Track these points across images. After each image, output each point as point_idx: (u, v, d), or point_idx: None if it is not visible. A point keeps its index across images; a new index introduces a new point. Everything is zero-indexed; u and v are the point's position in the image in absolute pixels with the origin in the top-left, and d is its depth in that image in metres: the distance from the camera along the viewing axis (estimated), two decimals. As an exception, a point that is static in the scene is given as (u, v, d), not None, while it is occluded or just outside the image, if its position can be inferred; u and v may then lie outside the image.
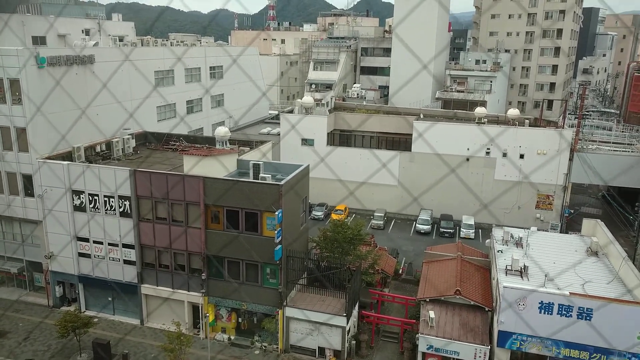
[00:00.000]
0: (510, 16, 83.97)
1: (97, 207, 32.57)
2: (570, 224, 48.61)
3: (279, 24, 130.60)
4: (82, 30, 50.78)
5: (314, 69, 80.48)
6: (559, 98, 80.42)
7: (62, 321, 30.08)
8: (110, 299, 34.78)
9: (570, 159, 46.94)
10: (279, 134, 54.47)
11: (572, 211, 50.67)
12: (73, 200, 32.95)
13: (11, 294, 37.40)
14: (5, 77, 32.24)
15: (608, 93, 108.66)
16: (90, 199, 32.54)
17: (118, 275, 33.56)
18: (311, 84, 76.57)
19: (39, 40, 46.77)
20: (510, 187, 48.63)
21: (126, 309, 34.62)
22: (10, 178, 34.63)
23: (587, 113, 69.40)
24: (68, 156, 34.19)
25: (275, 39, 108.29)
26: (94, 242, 33.43)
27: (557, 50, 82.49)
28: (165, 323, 32.95)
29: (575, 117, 56.09)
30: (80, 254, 34.09)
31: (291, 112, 57.25)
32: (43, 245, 35.04)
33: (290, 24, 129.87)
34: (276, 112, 67.22)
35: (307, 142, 53.23)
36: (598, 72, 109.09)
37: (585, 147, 48.78)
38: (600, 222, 33.26)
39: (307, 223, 34.32)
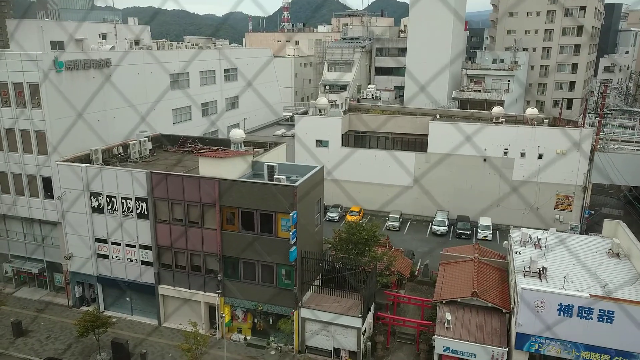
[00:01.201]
0: (528, 14, 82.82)
1: (115, 209, 32.99)
2: (590, 225, 47.68)
3: (293, 25, 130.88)
4: (99, 35, 51.62)
5: (328, 70, 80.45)
6: (579, 97, 79.01)
7: (82, 321, 30.58)
8: (128, 299, 35.19)
9: (591, 159, 46.05)
10: (293, 136, 54.55)
11: (593, 212, 49.71)
12: (91, 202, 33.45)
13: (32, 293, 38.13)
14: (25, 82, 32.90)
15: (631, 91, 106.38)
16: (108, 200, 32.99)
17: (136, 276, 33.94)
18: (325, 85, 76.55)
19: (57, 45, 47.66)
20: (528, 188, 47.90)
21: (144, 310, 35.00)
22: (30, 180, 35.31)
23: (608, 112, 68.07)
24: (86, 159, 34.71)
25: (289, 41, 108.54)
26: (112, 243, 33.89)
27: (577, 47, 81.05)
28: (182, 323, 33.22)
29: (596, 116, 55.08)
30: (99, 255, 34.57)
31: (306, 113, 57.28)
32: (62, 246, 35.64)
33: (304, 25, 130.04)
34: (290, 114, 67.34)
35: (321, 143, 53.21)
36: (620, 70, 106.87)
37: (606, 146, 47.81)
38: (622, 223, 32.56)
39: (322, 224, 34.26)
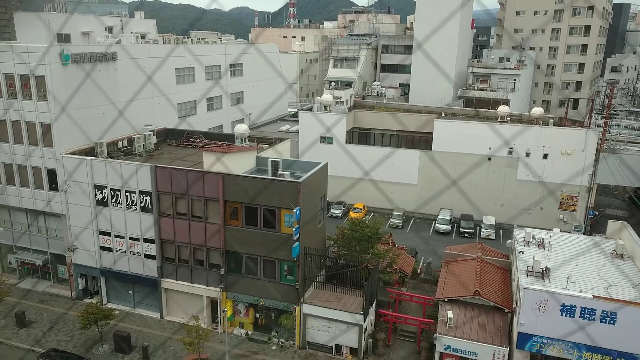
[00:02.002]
0: (535, 12, 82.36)
1: (119, 202, 33.09)
2: (594, 226, 47.50)
3: (299, 21, 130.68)
4: (105, 28, 51.64)
5: (333, 67, 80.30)
6: (585, 97, 78.62)
7: (85, 313, 30.72)
8: (131, 292, 35.34)
9: (596, 160, 45.83)
10: (298, 132, 54.52)
11: (597, 213, 49.50)
12: (95, 194, 33.55)
13: (36, 285, 38.32)
14: (31, 74, 32.99)
15: (638, 92, 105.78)
16: (112, 193, 33.08)
17: (139, 269, 34.07)
18: (331, 82, 76.40)
19: (64, 38, 47.71)
20: (532, 188, 47.75)
21: (146, 303, 35.13)
22: (35, 172, 35.43)
23: (614, 112, 67.71)
24: (91, 152, 34.83)
25: (295, 37, 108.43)
26: (116, 236, 34.00)
27: (584, 47, 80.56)
28: (184, 317, 33.33)
29: (602, 117, 54.76)
30: (102, 248, 34.70)
31: (310, 109, 57.23)
32: (66, 238, 35.78)
33: (310, 21, 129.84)
34: (295, 110, 67.28)
35: (326, 140, 53.17)
36: (627, 70, 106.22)
37: (612, 147, 47.56)
38: (626, 224, 32.40)
39: (325, 221, 34.26)
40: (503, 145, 47.60)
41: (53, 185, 35.07)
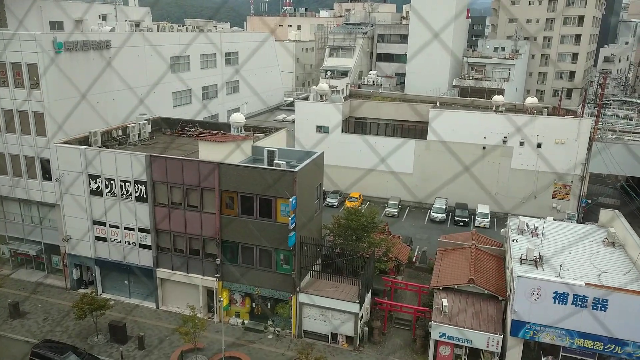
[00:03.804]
0: (530, 2, 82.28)
1: (114, 192, 32.92)
2: (587, 215, 47.94)
3: (295, 9, 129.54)
4: (99, 16, 50.96)
5: (329, 56, 79.94)
6: (578, 87, 78.87)
7: (79, 303, 30.59)
8: (126, 282, 35.30)
9: (589, 149, 46.12)
10: (294, 121, 54.37)
11: (590, 201, 49.93)
12: (90, 184, 33.35)
13: (30, 275, 38.17)
14: (24, 62, 32.57)
15: (630, 82, 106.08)
16: (107, 183, 32.90)
17: (134, 259, 33.98)
18: (327, 71, 76.09)
19: (57, 26, 47.08)
20: (526, 177, 48.03)
21: (142, 293, 35.11)
22: (29, 162, 35.13)
23: (607, 102, 68.00)
24: (85, 141, 34.54)
25: (291, 25, 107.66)
26: (111, 226, 33.86)
27: (577, 37, 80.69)
28: (180, 307, 33.41)
29: (595, 106, 55.01)
30: (97, 238, 34.55)
31: (306, 99, 57.04)
32: (60, 228, 35.60)
33: (306, 9, 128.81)
34: (291, 99, 67.04)
35: (322, 129, 53.07)
36: (620, 61, 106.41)
37: (604, 136, 47.86)
38: (618, 212, 32.74)
39: (321, 210, 34.32)
40: (498, 134, 47.81)
41: (47, 174, 34.80)
